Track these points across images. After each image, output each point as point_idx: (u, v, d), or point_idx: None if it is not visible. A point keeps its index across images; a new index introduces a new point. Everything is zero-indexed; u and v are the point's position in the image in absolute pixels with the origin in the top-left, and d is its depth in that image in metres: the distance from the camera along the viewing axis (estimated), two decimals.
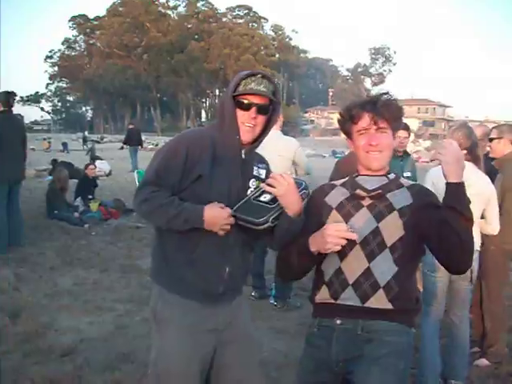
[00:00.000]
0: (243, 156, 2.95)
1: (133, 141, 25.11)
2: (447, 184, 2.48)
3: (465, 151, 4.37)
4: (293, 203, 2.66)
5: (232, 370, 3.01)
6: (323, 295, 2.73)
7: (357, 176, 2.87)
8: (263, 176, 3.04)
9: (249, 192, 2.91)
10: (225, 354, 2.98)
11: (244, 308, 3.18)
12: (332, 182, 3.02)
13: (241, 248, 2.93)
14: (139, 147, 25.74)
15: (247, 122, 2.86)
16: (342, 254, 2.63)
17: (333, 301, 2.68)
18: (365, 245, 2.62)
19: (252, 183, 2.98)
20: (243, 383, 3.05)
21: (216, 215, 2.69)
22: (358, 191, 2.75)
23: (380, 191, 2.72)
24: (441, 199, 2.58)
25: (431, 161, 2.97)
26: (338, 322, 2.66)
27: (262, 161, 3.13)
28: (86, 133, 55.71)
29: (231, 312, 3.00)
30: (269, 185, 2.63)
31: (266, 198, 2.77)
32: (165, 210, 2.71)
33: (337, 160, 6.23)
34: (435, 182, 4.10)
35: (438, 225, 2.49)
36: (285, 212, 2.70)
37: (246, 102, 2.84)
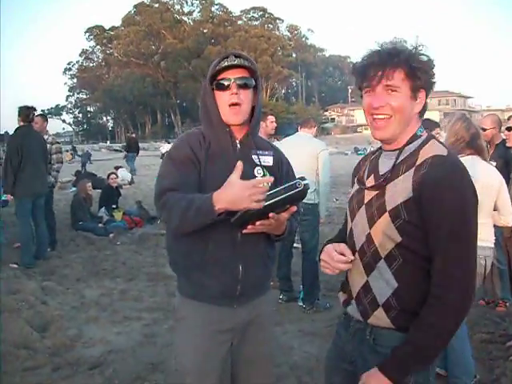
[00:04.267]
0: (238, 146, 2.82)
1: (131, 148, 28.50)
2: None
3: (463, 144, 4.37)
4: None
5: (245, 367, 2.96)
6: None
7: (380, 149, 2.43)
8: (270, 163, 2.88)
9: None
10: (241, 353, 2.92)
11: (267, 307, 3.04)
12: (372, 151, 2.59)
13: (253, 244, 2.74)
14: (136, 154, 28.91)
15: (230, 100, 2.70)
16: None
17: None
18: (362, 254, 2.28)
19: (257, 172, 2.80)
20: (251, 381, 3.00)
21: (230, 192, 2.40)
22: (366, 180, 2.37)
23: (381, 180, 2.25)
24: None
25: None
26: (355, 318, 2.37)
27: (265, 147, 2.94)
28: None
29: (251, 311, 2.87)
30: None
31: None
32: (178, 205, 2.53)
33: (361, 158, 6.10)
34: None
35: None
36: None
37: (222, 79, 2.72)
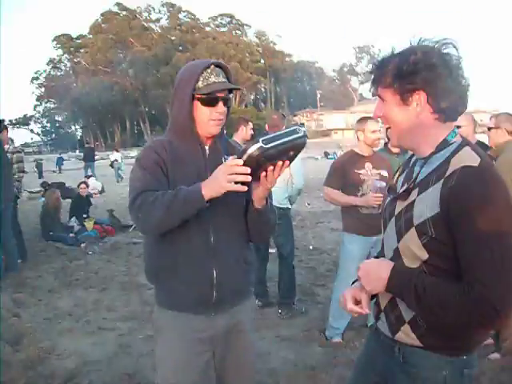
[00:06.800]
0: (208, 152, 2.79)
1: (88, 157, 30.99)
2: None
3: None
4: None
5: (229, 375, 2.93)
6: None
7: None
8: None
9: None
10: (224, 360, 2.88)
11: (247, 315, 2.96)
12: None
13: (228, 247, 2.72)
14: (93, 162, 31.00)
15: (216, 117, 2.71)
16: None
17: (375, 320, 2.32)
18: None
19: None
20: None
21: (217, 171, 2.41)
22: (400, 189, 2.19)
23: (408, 188, 2.09)
24: None
25: None
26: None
27: (231, 152, 2.78)
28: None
29: (230, 319, 2.83)
30: None
31: None
32: (160, 202, 2.48)
33: (332, 161, 6.08)
34: None
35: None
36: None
37: (212, 97, 2.68)
